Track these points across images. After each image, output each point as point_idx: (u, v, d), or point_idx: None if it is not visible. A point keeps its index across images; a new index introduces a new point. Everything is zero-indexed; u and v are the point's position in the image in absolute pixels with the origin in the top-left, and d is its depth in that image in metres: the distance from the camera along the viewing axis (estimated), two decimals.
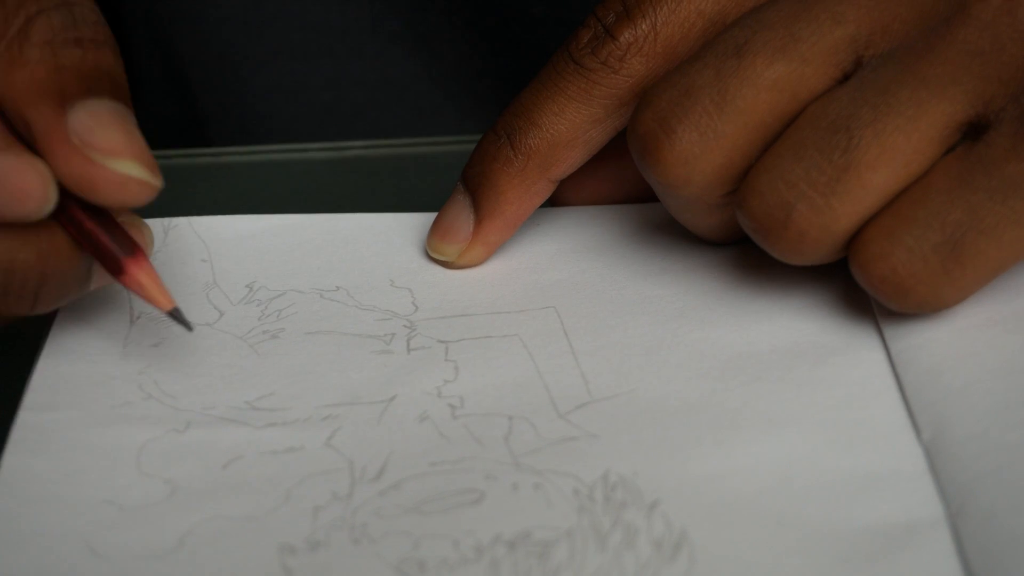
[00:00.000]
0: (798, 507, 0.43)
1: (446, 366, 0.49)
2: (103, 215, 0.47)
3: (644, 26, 0.50)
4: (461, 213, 0.53)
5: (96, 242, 0.47)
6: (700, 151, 0.47)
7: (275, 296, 0.52)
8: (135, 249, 0.47)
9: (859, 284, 0.47)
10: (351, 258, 0.54)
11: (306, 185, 0.62)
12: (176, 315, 0.48)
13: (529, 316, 0.51)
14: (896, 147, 0.46)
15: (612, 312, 0.51)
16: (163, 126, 0.76)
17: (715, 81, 0.47)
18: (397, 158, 0.64)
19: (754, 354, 0.49)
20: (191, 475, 0.45)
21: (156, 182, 0.46)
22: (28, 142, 0.46)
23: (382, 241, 0.55)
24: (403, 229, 0.55)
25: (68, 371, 0.49)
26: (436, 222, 0.53)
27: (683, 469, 0.45)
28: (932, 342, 0.48)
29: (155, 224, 0.54)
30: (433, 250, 0.53)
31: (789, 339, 0.49)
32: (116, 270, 0.47)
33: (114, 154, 0.45)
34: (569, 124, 0.51)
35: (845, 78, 0.47)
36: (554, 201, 0.55)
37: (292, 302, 0.52)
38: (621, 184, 0.55)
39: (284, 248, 0.54)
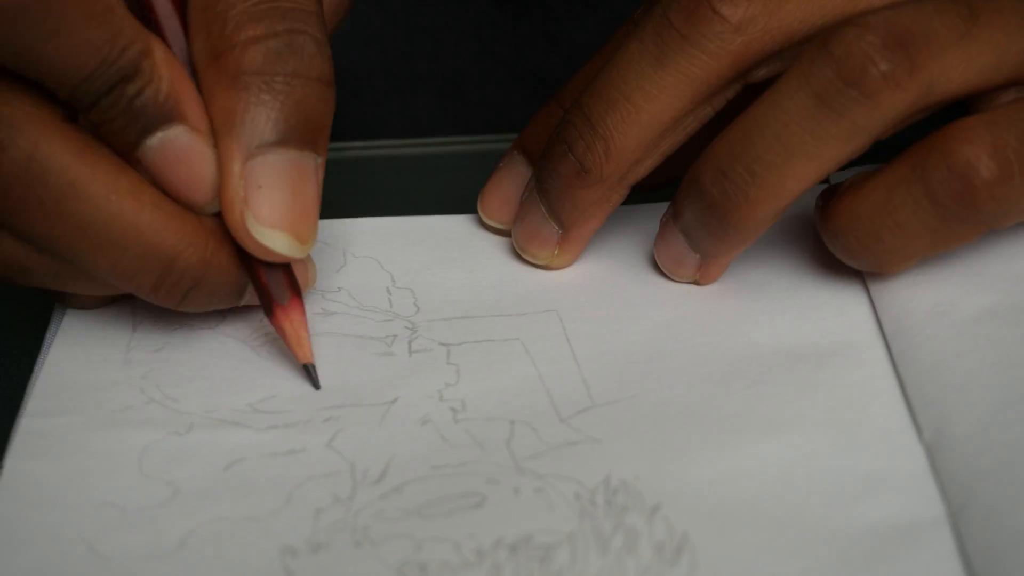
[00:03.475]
0: (800, 509, 0.43)
1: (448, 369, 0.49)
2: None
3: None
4: (544, 225, 0.52)
5: (255, 276, 0.47)
6: None
7: None
8: (290, 296, 0.47)
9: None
10: (352, 259, 0.54)
11: None
12: (309, 371, 0.48)
13: (531, 319, 0.51)
14: None
15: (613, 316, 0.51)
16: None
17: None
18: (397, 158, 0.64)
19: (755, 357, 0.49)
20: (193, 477, 0.45)
21: (299, 255, 0.46)
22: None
23: (383, 243, 0.55)
24: (403, 231, 0.55)
25: (71, 377, 0.49)
26: (519, 227, 0.52)
27: (684, 473, 0.45)
28: (933, 340, 0.48)
29: None
30: (524, 253, 0.53)
31: (790, 341, 0.49)
32: (267, 310, 0.47)
33: (266, 225, 0.45)
34: (657, 125, 0.49)
35: (739, 77, 0.48)
36: None
37: None
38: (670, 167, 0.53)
39: None
